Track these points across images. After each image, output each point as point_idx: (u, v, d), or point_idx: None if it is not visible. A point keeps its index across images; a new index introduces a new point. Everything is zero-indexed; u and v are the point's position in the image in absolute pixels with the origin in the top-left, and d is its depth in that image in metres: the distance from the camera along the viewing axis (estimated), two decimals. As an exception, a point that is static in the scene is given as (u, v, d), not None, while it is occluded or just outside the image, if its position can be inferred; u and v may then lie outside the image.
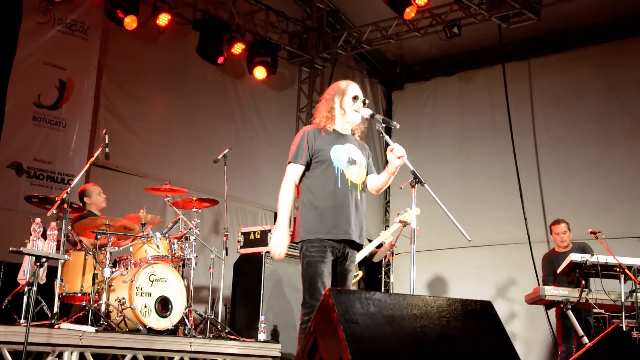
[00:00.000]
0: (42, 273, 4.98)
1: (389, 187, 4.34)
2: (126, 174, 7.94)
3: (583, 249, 6.60)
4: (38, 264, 4.58)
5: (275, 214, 9.36)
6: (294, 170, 4.13)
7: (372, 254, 7.12)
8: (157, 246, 5.99)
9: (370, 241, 7.29)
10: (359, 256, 6.95)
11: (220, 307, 7.06)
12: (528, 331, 8.88)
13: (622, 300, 5.66)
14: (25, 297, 5.03)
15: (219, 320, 6.64)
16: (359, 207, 4.12)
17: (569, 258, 5.85)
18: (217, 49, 8.48)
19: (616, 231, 7.89)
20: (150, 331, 5.52)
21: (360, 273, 7.03)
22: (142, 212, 6.25)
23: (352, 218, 4.07)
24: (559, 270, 6.10)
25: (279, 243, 4.05)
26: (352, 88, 4.24)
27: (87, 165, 5.98)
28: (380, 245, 7.13)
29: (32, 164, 7.13)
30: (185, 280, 6.06)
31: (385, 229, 10.82)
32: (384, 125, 4.07)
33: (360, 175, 4.18)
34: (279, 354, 6.20)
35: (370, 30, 9.73)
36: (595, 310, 6.02)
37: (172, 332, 5.73)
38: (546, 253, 7.16)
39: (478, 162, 9.95)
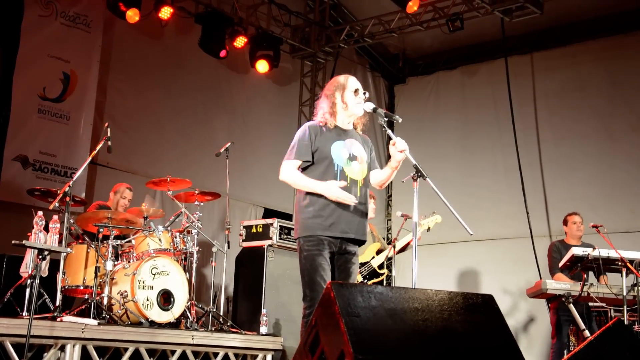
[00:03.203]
0: (45, 266, 4.99)
1: (391, 181, 4.33)
2: (121, 171, 7.81)
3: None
4: (40, 257, 4.60)
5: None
6: (290, 165, 4.12)
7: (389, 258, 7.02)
8: (159, 239, 6.00)
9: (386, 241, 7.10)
10: (378, 260, 6.90)
11: (222, 301, 7.07)
12: (530, 325, 8.88)
13: (624, 293, 5.67)
14: (27, 290, 5.05)
15: (221, 314, 6.66)
16: (359, 203, 4.12)
17: (571, 252, 5.84)
18: (219, 43, 8.46)
19: (618, 226, 7.85)
20: (153, 324, 5.54)
21: (386, 271, 6.96)
22: (144, 205, 6.26)
23: (351, 215, 4.07)
24: (560, 264, 6.10)
25: (328, 188, 4.00)
26: (352, 82, 4.23)
27: (89, 159, 5.98)
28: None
29: (38, 157, 7.11)
30: (187, 273, 6.07)
31: (388, 224, 10.89)
32: (386, 119, 4.05)
33: (361, 171, 4.17)
34: (281, 347, 6.22)
35: (373, 23, 9.69)
36: (596, 304, 6.02)
37: (174, 325, 5.75)
38: (555, 241, 7.07)
39: (480, 157, 9.92)
